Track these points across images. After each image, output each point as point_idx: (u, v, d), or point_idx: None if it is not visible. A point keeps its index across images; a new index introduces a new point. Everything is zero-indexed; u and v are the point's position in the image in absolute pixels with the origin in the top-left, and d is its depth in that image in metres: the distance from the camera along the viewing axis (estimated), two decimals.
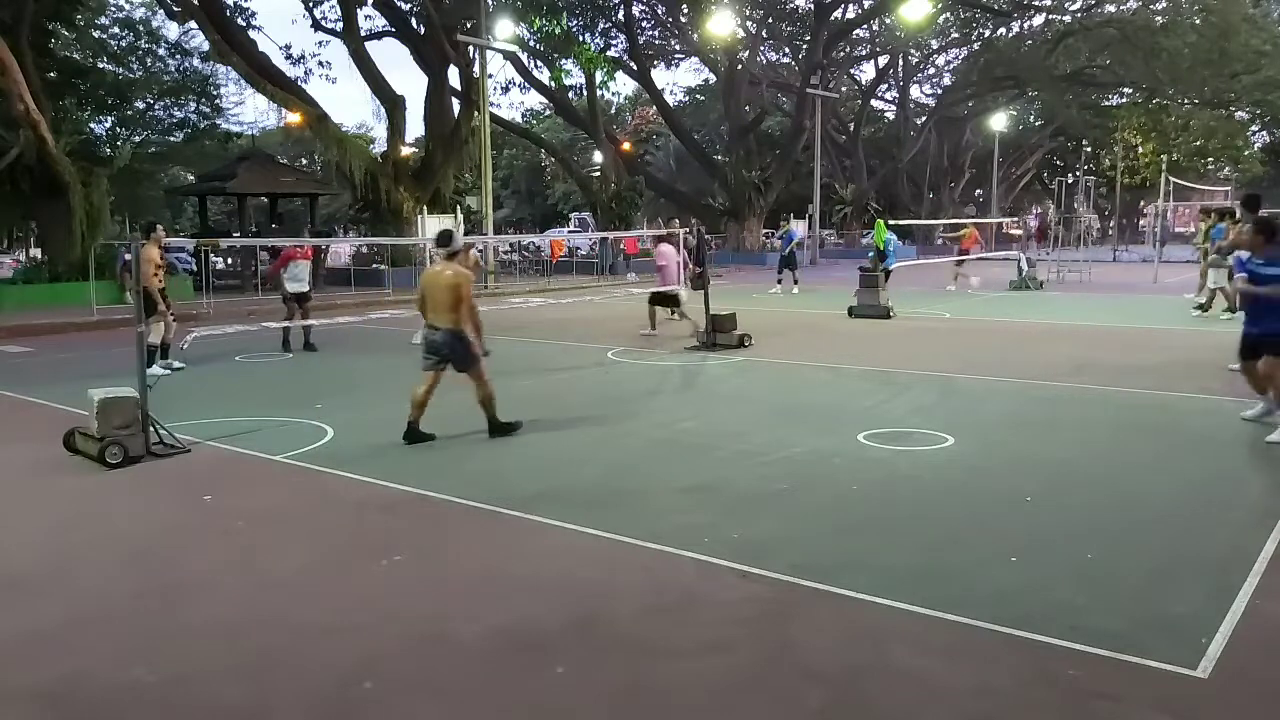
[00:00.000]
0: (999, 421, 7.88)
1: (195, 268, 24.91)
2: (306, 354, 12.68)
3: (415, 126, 32.72)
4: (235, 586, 4.43)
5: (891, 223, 25.83)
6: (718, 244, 36.47)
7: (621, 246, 30.68)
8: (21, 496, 6.10)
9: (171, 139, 34.24)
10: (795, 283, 21.99)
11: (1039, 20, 41.85)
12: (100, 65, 30.53)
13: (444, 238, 7.44)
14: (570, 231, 46.27)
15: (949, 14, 40.73)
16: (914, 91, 51.76)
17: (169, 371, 10.77)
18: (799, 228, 41.54)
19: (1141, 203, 53.09)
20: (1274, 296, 6.92)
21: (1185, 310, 15.83)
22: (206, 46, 27.73)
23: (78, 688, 3.50)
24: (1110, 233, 47.95)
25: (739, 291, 21.00)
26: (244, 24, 26.91)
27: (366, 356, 12.61)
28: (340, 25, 28.07)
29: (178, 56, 32.29)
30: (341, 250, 30.12)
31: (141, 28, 31.80)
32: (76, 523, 5.49)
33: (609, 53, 35.94)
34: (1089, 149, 55.45)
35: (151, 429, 6.87)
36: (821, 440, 7.09)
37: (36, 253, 29.67)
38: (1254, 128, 47.48)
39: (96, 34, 31.27)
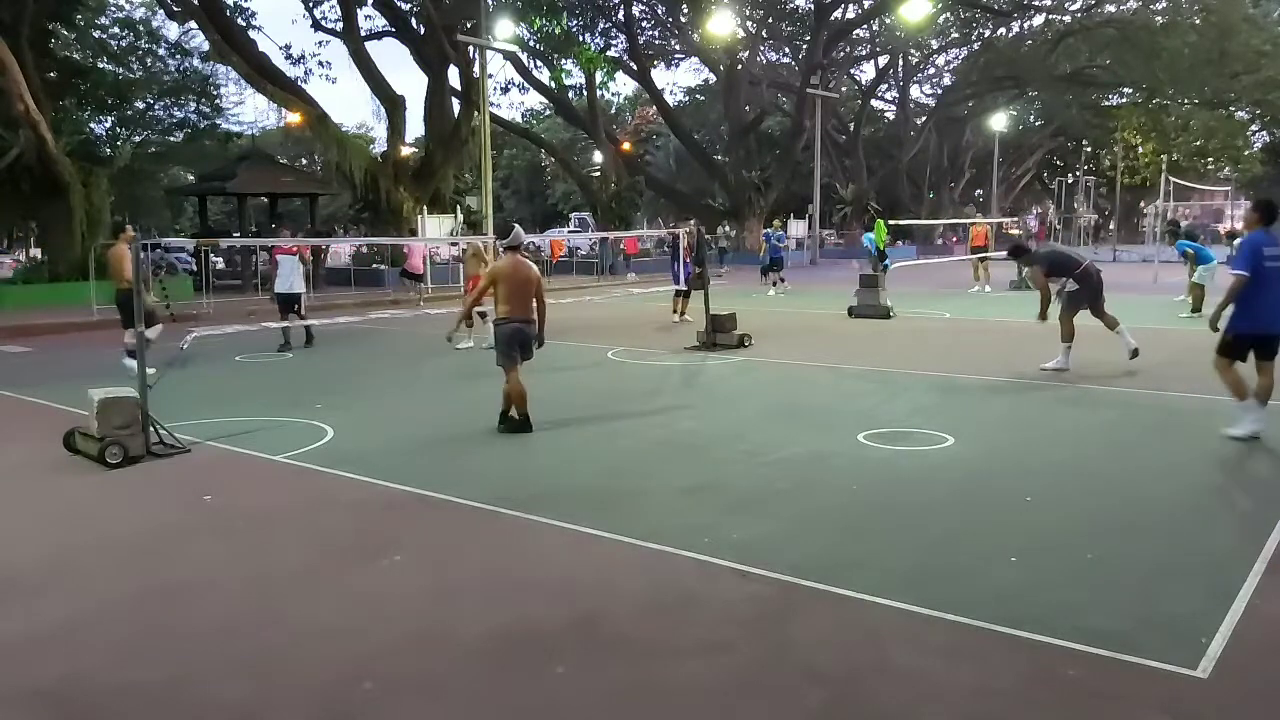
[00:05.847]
0: (999, 421, 7.88)
1: (195, 268, 24.92)
2: (307, 354, 12.68)
3: (415, 126, 32.77)
4: (235, 586, 4.43)
5: (891, 222, 25.80)
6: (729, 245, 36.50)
7: (621, 246, 30.69)
8: (21, 496, 6.10)
9: (171, 139, 34.19)
10: (774, 284, 22.01)
11: (1039, 20, 41.87)
12: (100, 65, 30.47)
13: (505, 231, 7.63)
14: (570, 231, 46.24)
15: (949, 14, 40.72)
16: (914, 91, 51.83)
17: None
18: (796, 227, 41.68)
19: (1142, 203, 53.08)
20: None
21: (1184, 310, 15.86)
22: (206, 46, 27.72)
23: (78, 688, 3.50)
24: (1111, 231, 47.94)
25: (740, 291, 21.00)
26: (244, 24, 26.89)
27: (366, 356, 12.61)
28: (340, 25, 28.08)
29: (178, 56, 32.25)
30: (341, 250, 30.13)
31: (141, 28, 31.74)
32: (76, 523, 5.49)
33: (609, 53, 35.95)
34: (1089, 149, 55.44)
35: (151, 429, 6.87)
36: (821, 440, 7.08)
37: (36, 253, 29.67)
38: (1254, 128, 47.44)
39: (96, 34, 31.22)
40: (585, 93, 35.75)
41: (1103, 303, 10.25)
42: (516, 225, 7.87)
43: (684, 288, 15.75)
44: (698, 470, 6.30)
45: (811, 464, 6.43)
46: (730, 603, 4.13)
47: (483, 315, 16.12)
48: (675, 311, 15.88)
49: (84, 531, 5.31)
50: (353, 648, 3.75)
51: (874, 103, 50.89)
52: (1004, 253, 12.80)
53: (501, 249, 7.61)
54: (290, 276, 12.92)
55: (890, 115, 53.38)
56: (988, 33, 43.00)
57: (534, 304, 7.47)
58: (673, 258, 16.75)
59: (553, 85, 34.58)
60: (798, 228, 41.81)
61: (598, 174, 40.11)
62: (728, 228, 36.90)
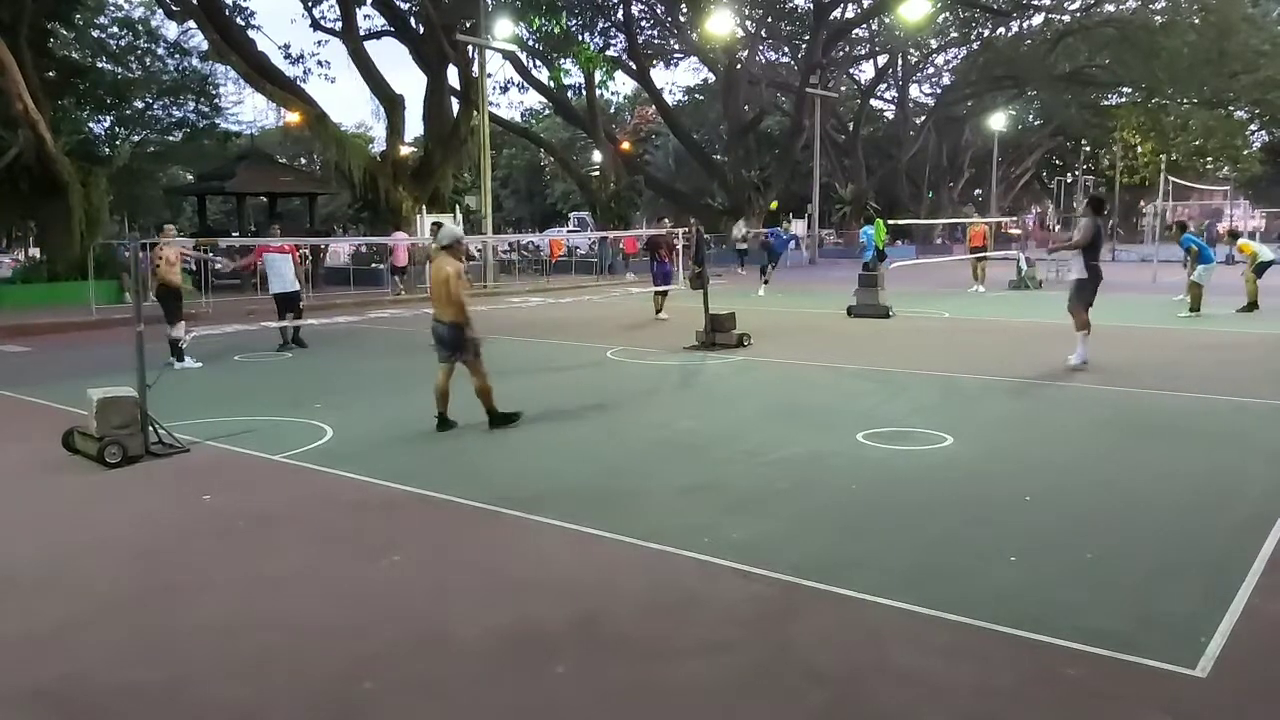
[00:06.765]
0: (999, 421, 7.88)
1: (194, 267, 24.90)
2: (306, 353, 12.67)
3: (415, 126, 32.76)
4: (235, 586, 4.42)
5: (891, 222, 25.72)
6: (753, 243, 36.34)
7: (620, 246, 30.71)
8: (21, 496, 6.09)
9: (171, 138, 34.23)
10: (765, 282, 21.88)
11: (1038, 20, 41.91)
12: (99, 65, 30.50)
13: (433, 229, 7.54)
14: (569, 231, 46.25)
15: (948, 14, 40.75)
16: (913, 91, 51.89)
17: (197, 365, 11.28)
18: (796, 227, 41.70)
19: (1141, 203, 53.10)
20: None
21: (1182, 310, 15.87)
22: (205, 46, 27.74)
23: (78, 688, 3.49)
24: (1115, 232, 47.96)
25: (739, 291, 20.99)
26: (243, 23, 26.91)
27: (366, 356, 12.60)
28: (339, 25, 28.08)
29: (177, 56, 32.29)
30: (340, 250, 30.12)
31: (141, 27, 31.76)
32: (76, 523, 5.49)
33: (608, 52, 35.98)
34: (1088, 149, 55.49)
35: (151, 429, 6.86)
36: (821, 440, 7.08)
37: (36, 252, 29.66)
38: (1253, 127, 47.52)
39: (96, 33, 31.23)
40: (584, 92, 35.76)
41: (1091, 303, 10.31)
42: (447, 224, 7.82)
43: (665, 287, 15.80)
44: (698, 470, 6.30)
45: (811, 464, 6.43)
46: (731, 603, 4.13)
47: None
48: (659, 310, 16.05)
49: (83, 531, 5.31)
50: (353, 648, 3.75)
51: (873, 102, 50.97)
52: (1085, 206, 12.77)
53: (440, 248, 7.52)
54: (285, 275, 12.77)
55: (889, 115, 53.41)
56: (987, 32, 43.06)
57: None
58: (652, 258, 16.76)
59: (552, 85, 34.60)
60: (797, 227, 41.83)
61: (597, 173, 40.13)
62: (744, 228, 36.82)
